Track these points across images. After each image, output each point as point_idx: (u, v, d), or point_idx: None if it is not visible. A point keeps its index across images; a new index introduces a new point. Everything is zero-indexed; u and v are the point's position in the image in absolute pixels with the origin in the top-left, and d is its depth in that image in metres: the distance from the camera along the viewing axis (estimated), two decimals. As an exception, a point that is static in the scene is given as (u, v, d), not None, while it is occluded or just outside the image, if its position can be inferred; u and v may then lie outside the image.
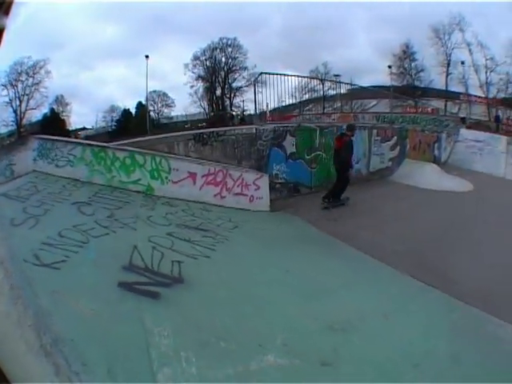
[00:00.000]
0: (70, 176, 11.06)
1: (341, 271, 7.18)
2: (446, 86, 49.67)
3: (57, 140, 12.52)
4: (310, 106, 34.98)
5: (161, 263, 5.70)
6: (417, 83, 50.72)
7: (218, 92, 51.55)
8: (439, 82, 50.15)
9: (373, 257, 7.76)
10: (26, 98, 44.29)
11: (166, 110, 51.36)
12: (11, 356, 2.56)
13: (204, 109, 50.38)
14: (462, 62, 47.90)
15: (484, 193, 16.59)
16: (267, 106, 21.59)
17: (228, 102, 51.43)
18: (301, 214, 11.04)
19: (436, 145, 25.45)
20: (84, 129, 41.44)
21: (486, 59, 46.38)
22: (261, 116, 17.28)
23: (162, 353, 3.71)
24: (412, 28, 68.64)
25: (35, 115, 43.44)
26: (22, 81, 43.84)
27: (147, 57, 44.39)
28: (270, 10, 72.90)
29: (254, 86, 14.82)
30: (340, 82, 27.60)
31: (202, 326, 4.37)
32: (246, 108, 48.64)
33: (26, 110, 44.35)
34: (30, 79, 44.06)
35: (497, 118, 40.79)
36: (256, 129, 13.10)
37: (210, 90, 50.92)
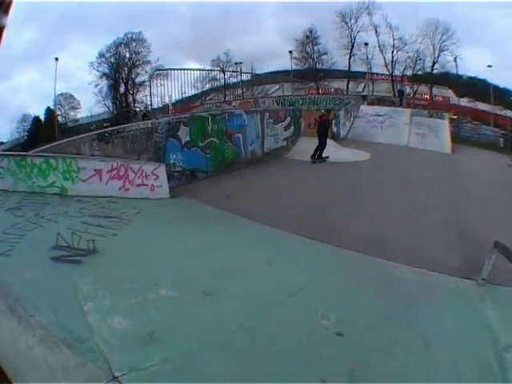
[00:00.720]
0: (1, 187, 11.42)
1: (231, 236, 8.49)
2: (349, 67, 51.15)
3: None
4: (212, 95, 35.86)
5: (79, 242, 7.26)
6: (319, 66, 51.61)
7: (122, 89, 50.88)
8: (342, 64, 51.36)
9: (263, 223, 8.94)
10: None
11: (72, 113, 49.93)
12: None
13: (108, 108, 49.52)
14: (366, 44, 49.77)
15: (380, 160, 18.95)
16: (170, 98, 22.67)
17: (131, 99, 50.86)
18: (198, 197, 11.86)
19: (334, 122, 26.53)
20: (1, 143, 40.34)
21: (394, 39, 48.65)
22: (163, 109, 18.46)
23: (86, 294, 5.29)
24: (319, 13, 70.95)
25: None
26: None
27: (57, 59, 43.45)
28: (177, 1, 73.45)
29: (150, 82, 15.29)
30: (237, 72, 28.56)
31: (113, 276, 5.96)
32: (148, 103, 49.14)
33: None
34: None
35: (400, 93, 43.19)
36: (152, 123, 13.90)
37: (113, 88, 50.12)
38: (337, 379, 3.86)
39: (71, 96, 48.98)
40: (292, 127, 21.16)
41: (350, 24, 50.61)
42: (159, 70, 15.51)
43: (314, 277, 6.36)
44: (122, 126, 13.91)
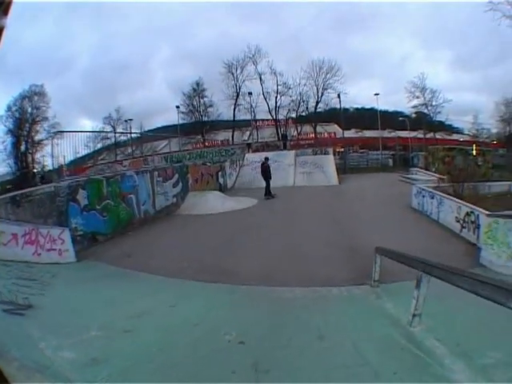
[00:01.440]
0: None
1: (137, 289, 9.49)
2: (234, 117, 54.07)
3: None
4: (104, 154, 36.45)
5: (17, 299, 8.23)
6: (205, 119, 54.06)
7: (23, 147, 49.35)
8: (227, 114, 54.29)
9: (163, 276, 9.98)
10: None
11: None
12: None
13: (11, 167, 47.43)
14: (250, 93, 52.75)
15: (265, 203, 21.45)
16: (64, 159, 22.73)
17: (31, 158, 49.69)
18: (102, 259, 12.30)
19: (220, 173, 28.76)
20: None
21: (278, 85, 52.58)
22: (58, 171, 18.80)
23: (37, 337, 6.42)
24: (206, 64, 73.86)
25: None
26: None
27: None
28: (79, 49, 72.95)
29: (52, 142, 15.34)
30: (127, 131, 29.35)
31: (52, 323, 7.16)
32: (45, 164, 46.93)
33: None
34: None
35: (284, 137, 45.54)
36: (54, 186, 14.05)
37: (16, 146, 48.38)
38: (244, 370, 4.85)
39: None
40: (180, 183, 22.48)
41: (235, 74, 53.79)
42: (59, 131, 15.65)
43: (214, 309, 7.62)
44: (30, 189, 14.03)
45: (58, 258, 11.87)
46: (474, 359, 4.64)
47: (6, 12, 2.13)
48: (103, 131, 43.01)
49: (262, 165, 26.62)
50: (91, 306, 8.34)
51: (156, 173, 20.35)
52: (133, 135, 32.96)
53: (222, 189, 27.75)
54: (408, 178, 26.95)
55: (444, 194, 15.37)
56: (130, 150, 34.20)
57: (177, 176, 22.39)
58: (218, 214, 19.09)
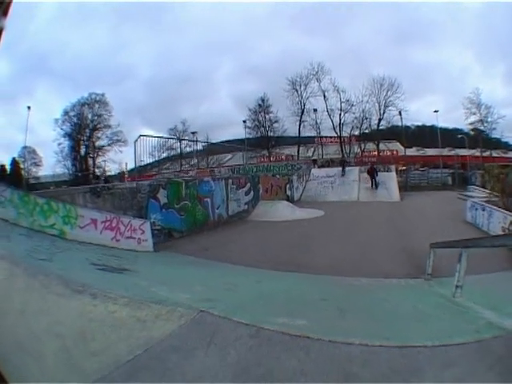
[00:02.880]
0: (1, 216, 11.99)
1: (223, 271, 10.08)
2: (299, 133, 53.64)
3: None
4: (168, 164, 36.63)
5: (109, 263, 8.84)
6: (271, 134, 54.18)
7: (83, 151, 51.04)
8: (293, 130, 53.91)
9: (244, 266, 10.32)
10: None
11: (34, 169, 49.38)
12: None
13: (68, 169, 49.32)
14: (315, 110, 52.73)
15: (333, 214, 20.93)
16: (126, 165, 22.92)
17: (92, 162, 51.24)
18: (179, 251, 12.67)
19: (288, 186, 28.75)
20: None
21: (342, 102, 52.23)
22: (120, 177, 19.19)
23: (145, 285, 7.10)
24: (271, 80, 73.96)
25: None
26: None
27: (29, 108, 43.68)
28: (138, 61, 74.48)
29: (134, 147, 15.83)
30: (194, 141, 29.55)
31: (156, 279, 7.77)
32: (106, 168, 49.25)
33: None
34: None
35: (342, 162, 42.84)
36: (136, 183, 14.93)
37: (74, 149, 50.10)
38: (332, 309, 6.18)
39: (34, 151, 49.12)
40: (252, 192, 22.79)
41: (299, 91, 53.55)
42: (143, 135, 15.94)
43: (295, 285, 8.46)
44: (112, 183, 14.74)
45: (137, 245, 12.23)
46: (501, 310, 5.59)
47: (5, 13, 2.14)
48: (172, 137, 44.08)
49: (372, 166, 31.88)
50: (185, 277, 9.01)
51: (230, 180, 20.95)
52: (198, 147, 33.31)
53: (290, 200, 27.41)
54: (465, 196, 26.24)
55: (493, 206, 15.85)
56: (194, 161, 34.26)
57: (249, 185, 22.76)
58: (288, 222, 19.05)
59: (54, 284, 6.98)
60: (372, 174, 32.36)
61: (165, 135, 45.89)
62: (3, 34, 2.26)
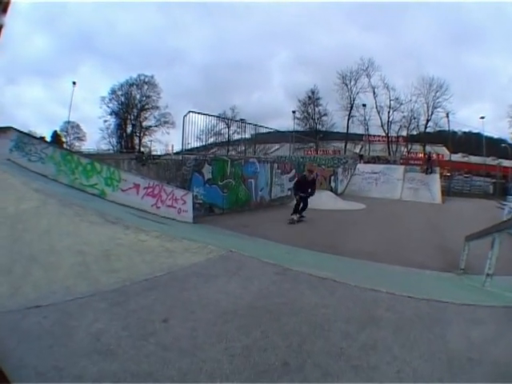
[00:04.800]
0: (40, 171, 12.27)
1: (259, 244, 10.14)
2: (347, 129, 53.10)
3: (33, 137, 13.77)
4: (215, 149, 35.96)
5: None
6: (319, 127, 53.76)
7: (129, 130, 51.89)
8: (341, 125, 53.35)
9: (279, 243, 10.35)
10: None
11: (77, 144, 50.05)
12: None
13: (112, 146, 50.14)
14: (364, 105, 52.14)
15: (373, 209, 20.82)
16: (172, 147, 22.61)
17: (138, 141, 51.98)
18: (218, 225, 12.80)
19: (332, 178, 28.65)
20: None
21: (391, 100, 51.27)
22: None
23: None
24: (323, 72, 73.00)
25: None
26: None
27: (74, 83, 44.42)
28: (192, 44, 74.48)
29: (183, 123, 15.83)
30: (243, 127, 29.49)
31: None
32: (153, 148, 48.97)
33: None
34: None
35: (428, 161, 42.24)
36: (182, 157, 15.16)
37: (121, 127, 51.11)
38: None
39: (78, 126, 50.48)
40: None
41: (349, 86, 52.90)
42: (192, 111, 15.85)
43: (325, 262, 8.25)
44: (158, 154, 14.48)
45: (176, 215, 12.40)
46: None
47: (5, 10, 2.07)
48: (226, 118, 44.24)
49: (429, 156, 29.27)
50: (219, 239, 9.05)
51: (276, 165, 21.04)
52: (246, 135, 33.48)
53: (333, 192, 27.00)
54: (504, 205, 25.43)
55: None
56: (241, 148, 34.20)
57: (294, 171, 22.62)
58: (330, 211, 18.87)
59: (88, 214, 7.47)
60: (429, 162, 34.08)
61: (213, 121, 45.84)
62: (3, 30, 2.14)
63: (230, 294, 4.27)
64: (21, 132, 14.14)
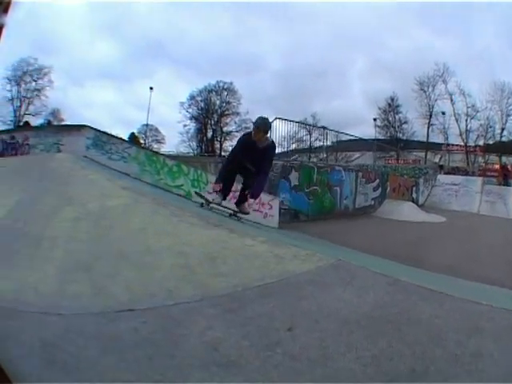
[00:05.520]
0: (121, 170, 12.50)
1: (344, 252, 9.41)
2: (427, 137, 51.94)
3: (113, 136, 14.25)
4: (296, 156, 35.68)
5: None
6: (399, 135, 52.87)
7: (209, 134, 52.64)
8: (421, 133, 52.13)
9: (361, 252, 9.93)
10: (26, 101, 45.18)
11: (155, 146, 50.31)
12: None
13: (192, 149, 50.87)
14: (443, 113, 50.72)
15: (453, 222, 20.18)
16: None
17: (218, 146, 52.62)
18: (304, 232, 12.74)
19: (414, 188, 27.89)
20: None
21: (468, 107, 49.26)
22: None
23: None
24: (402, 79, 71.10)
25: (34, 122, 42.45)
26: (25, 81, 44.57)
27: (151, 89, 46.12)
28: (268, 50, 74.66)
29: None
30: (328, 129, 28.78)
31: None
32: None
33: (24, 113, 45.32)
34: (33, 83, 44.95)
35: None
36: None
37: (201, 131, 52.01)
38: None
39: (156, 129, 51.51)
40: (380, 189, 22.26)
41: (427, 92, 51.22)
42: (279, 118, 15.97)
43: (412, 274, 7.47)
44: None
45: (262, 219, 12.43)
46: None
47: (6, 10, 2.09)
48: (309, 124, 43.05)
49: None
50: (309, 244, 8.41)
51: (360, 173, 20.87)
52: (327, 142, 32.80)
53: (415, 203, 26.34)
54: None
55: None
56: (323, 156, 33.69)
57: (378, 181, 22.33)
58: (411, 222, 18.66)
59: (186, 215, 7.09)
60: (506, 174, 32.58)
61: (293, 128, 45.37)
62: (4, 31, 2.16)
63: (348, 303, 4.04)
64: (98, 130, 14.58)
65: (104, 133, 15.05)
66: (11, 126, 41.84)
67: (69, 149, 13.55)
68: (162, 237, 5.82)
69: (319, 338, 3.31)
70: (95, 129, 14.66)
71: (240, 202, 8.99)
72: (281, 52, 75.99)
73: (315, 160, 28.73)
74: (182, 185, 12.67)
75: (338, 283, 4.54)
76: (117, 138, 14.37)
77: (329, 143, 29.71)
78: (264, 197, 12.53)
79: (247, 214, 8.98)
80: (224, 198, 8.88)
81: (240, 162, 8.56)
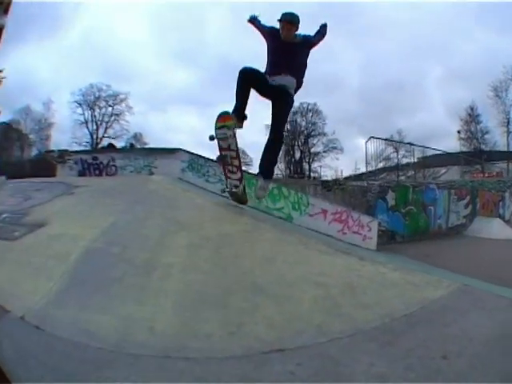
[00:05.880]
0: (220, 192, 12.02)
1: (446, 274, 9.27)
2: (508, 146, 49.49)
3: (210, 159, 14.28)
4: (384, 174, 35.12)
5: None
6: (483, 146, 50.62)
7: (297, 156, 53.05)
8: (501, 143, 49.99)
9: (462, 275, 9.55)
10: (104, 125, 48.14)
11: (243, 168, 51.30)
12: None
13: (281, 171, 50.25)
14: None
15: None
16: (341, 173, 22.49)
17: (307, 167, 52.92)
18: (401, 254, 12.49)
19: (500, 203, 26.42)
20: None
21: None
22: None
23: None
24: (476, 86, 68.63)
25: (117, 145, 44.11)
26: (99, 106, 47.79)
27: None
28: (345, 68, 74.18)
29: (365, 147, 16.17)
30: (415, 145, 28.24)
31: None
32: (323, 173, 49.54)
33: (102, 136, 48.24)
34: (109, 108, 48.06)
35: None
36: (367, 183, 15.47)
37: (288, 153, 52.24)
38: None
39: (244, 152, 50.06)
40: (470, 205, 21.53)
41: (502, 98, 48.69)
42: (373, 137, 16.24)
43: None
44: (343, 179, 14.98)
45: (361, 242, 12.42)
46: None
47: (6, 11, 2.43)
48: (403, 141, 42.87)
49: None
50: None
51: (453, 191, 20.44)
52: (409, 159, 32.26)
53: (501, 218, 24.78)
54: None
55: None
56: (411, 173, 33.14)
57: (468, 198, 21.61)
58: (504, 240, 17.90)
59: (312, 242, 7.23)
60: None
61: (380, 146, 44.39)
62: (4, 31, 2.36)
63: (484, 326, 4.22)
64: (193, 153, 15.10)
65: (200, 156, 15.41)
66: (87, 148, 44.39)
67: (162, 171, 14.06)
68: (294, 266, 5.75)
69: (469, 363, 3.50)
70: (190, 152, 15.17)
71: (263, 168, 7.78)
72: (357, 68, 75.42)
73: (403, 178, 28.45)
74: (282, 207, 12.77)
75: (471, 308, 4.72)
76: (214, 160, 14.69)
77: (415, 159, 29.31)
78: (363, 218, 12.78)
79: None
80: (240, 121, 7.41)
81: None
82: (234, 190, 7.99)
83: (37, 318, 4.31)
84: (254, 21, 7.56)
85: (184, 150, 15.22)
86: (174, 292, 4.81)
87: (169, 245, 6.33)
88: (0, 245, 6.87)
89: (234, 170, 8.03)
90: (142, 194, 10.04)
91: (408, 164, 30.70)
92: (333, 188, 14.98)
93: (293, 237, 7.44)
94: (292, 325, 4.22)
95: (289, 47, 6.92)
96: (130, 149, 30.85)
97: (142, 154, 16.19)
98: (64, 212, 8.43)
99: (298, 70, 7.28)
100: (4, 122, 45.02)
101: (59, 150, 22.26)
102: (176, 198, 10.10)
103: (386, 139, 17.66)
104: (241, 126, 7.49)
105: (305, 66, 7.36)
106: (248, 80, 7.08)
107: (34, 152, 45.34)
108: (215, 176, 13.84)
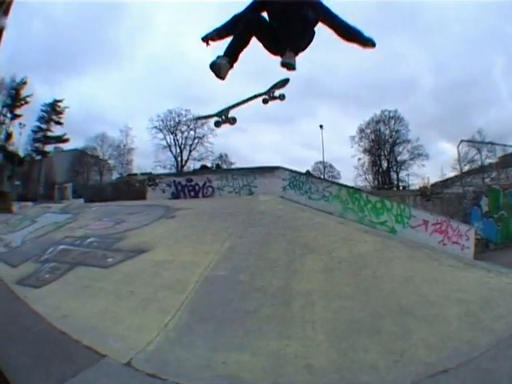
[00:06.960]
0: (323, 209, 12.63)
1: None
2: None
3: (312, 176, 14.77)
4: (470, 178, 34.91)
5: None
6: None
7: (384, 166, 52.48)
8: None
9: None
10: (188, 148, 50.13)
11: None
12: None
13: (369, 182, 51.03)
14: None
15: None
16: (428, 180, 22.01)
17: (395, 176, 52.12)
18: (495, 262, 10.98)
19: None
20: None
21: None
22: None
23: None
24: None
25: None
26: (181, 131, 50.03)
27: (321, 127, 46.63)
28: (416, 70, 72.72)
29: (458, 151, 16.05)
30: (496, 144, 27.61)
31: None
32: (411, 182, 48.47)
33: (187, 158, 50.13)
34: (191, 132, 50.01)
35: None
36: (463, 189, 15.34)
37: (375, 164, 52.06)
38: None
39: (331, 165, 52.30)
40: None
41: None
42: (464, 140, 16.25)
43: None
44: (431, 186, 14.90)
45: (460, 252, 12.11)
46: None
47: (6, 12, 2.15)
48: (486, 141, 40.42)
49: None
50: None
51: None
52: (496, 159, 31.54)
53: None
54: None
55: None
56: (494, 174, 32.56)
57: None
58: None
59: (443, 257, 7.25)
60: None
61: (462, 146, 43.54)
62: (4, 33, 2.26)
63: None
64: (293, 171, 15.26)
65: (301, 173, 15.86)
66: (172, 171, 46.08)
67: (262, 190, 14.27)
68: (433, 284, 5.90)
69: None
70: (290, 169, 15.28)
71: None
72: (428, 69, 73.53)
73: (488, 180, 27.98)
74: (385, 221, 12.78)
75: None
76: (316, 177, 15.10)
77: (496, 159, 28.79)
78: (461, 227, 12.67)
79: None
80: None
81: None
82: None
83: (151, 362, 4.12)
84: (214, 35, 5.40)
85: (284, 168, 15.30)
86: (322, 322, 4.81)
87: (300, 269, 6.38)
88: (89, 272, 6.93)
89: None
90: (253, 216, 9.91)
91: (490, 165, 30.00)
92: (431, 197, 14.78)
93: (422, 252, 7.46)
94: (446, 344, 4.39)
95: None
96: (227, 169, 31.86)
97: (240, 174, 16.24)
98: (167, 236, 8.44)
99: None
100: (76, 149, 48.73)
101: (142, 174, 23.96)
102: (293, 218, 9.73)
103: (477, 141, 17.46)
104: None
105: None
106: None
107: (114, 176, 48.66)
108: (318, 192, 13.94)
